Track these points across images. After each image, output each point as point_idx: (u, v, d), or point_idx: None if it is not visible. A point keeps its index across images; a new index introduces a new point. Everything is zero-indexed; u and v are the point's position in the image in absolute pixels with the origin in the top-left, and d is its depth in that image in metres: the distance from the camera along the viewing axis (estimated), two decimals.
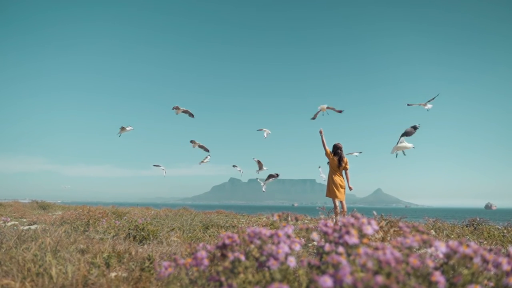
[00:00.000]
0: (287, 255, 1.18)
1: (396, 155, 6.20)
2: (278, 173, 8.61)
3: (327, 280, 0.94)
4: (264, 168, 8.64)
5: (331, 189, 6.60)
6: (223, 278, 1.17)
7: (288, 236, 1.25)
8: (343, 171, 6.71)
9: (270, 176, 8.69)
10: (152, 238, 3.98)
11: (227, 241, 1.27)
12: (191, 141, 8.74)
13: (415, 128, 5.93)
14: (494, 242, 4.54)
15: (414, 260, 1.00)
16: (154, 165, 9.53)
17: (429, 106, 6.39)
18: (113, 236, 3.73)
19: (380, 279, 0.90)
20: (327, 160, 6.80)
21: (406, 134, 5.96)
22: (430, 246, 1.09)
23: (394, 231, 3.29)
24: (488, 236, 4.99)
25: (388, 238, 3.22)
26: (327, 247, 1.16)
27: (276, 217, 1.46)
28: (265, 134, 8.90)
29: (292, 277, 1.19)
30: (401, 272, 0.95)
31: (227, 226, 6.01)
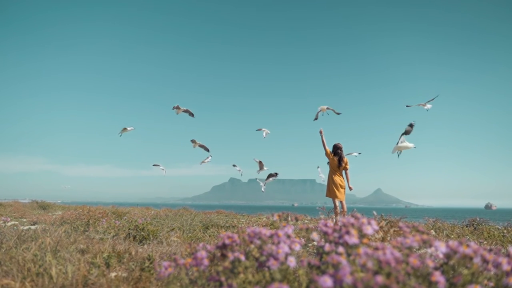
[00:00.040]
0: (287, 255, 1.18)
1: (398, 155, 6.21)
2: (277, 172, 8.61)
3: (327, 280, 0.94)
4: (265, 168, 8.65)
5: (331, 189, 6.60)
6: (223, 278, 1.17)
7: (288, 236, 1.25)
8: (343, 171, 6.72)
9: (270, 175, 8.70)
10: (152, 238, 3.98)
11: (227, 241, 1.27)
12: (192, 141, 8.73)
13: (411, 126, 5.94)
14: (494, 242, 4.54)
15: (414, 260, 1.00)
16: (153, 165, 9.53)
17: (428, 106, 6.39)
18: (113, 236, 3.73)
19: (380, 279, 0.90)
20: (327, 160, 6.80)
21: (406, 133, 5.97)
22: (430, 246, 1.09)
23: (394, 231, 3.29)
24: (488, 236, 4.99)
25: (388, 238, 3.22)
26: (327, 247, 1.16)
27: (276, 217, 1.46)
28: (264, 134, 8.91)
29: (292, 277, 1.19)
30: (401, 272, 0.95)
31: (227, 226, 6.01)
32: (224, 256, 1.25)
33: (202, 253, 1.27)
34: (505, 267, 1.07)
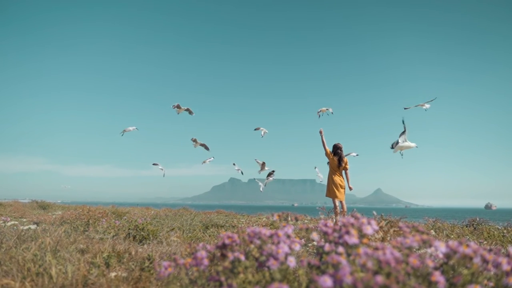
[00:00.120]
0: (287, 255, 1.18)
1: (401, 154, 6.21)
2: (273, 169, 8.66)
3: (327, 280, 0.94)
4: (266, 168, 8.67)
5: (331, 189, 6.60)
6: (223, 278, 1.17)
7: (288, 236, 1.25)
8: (343, 171, 6.72)
9: (269, 174, 8.73)
10: (152, 238, 3.98)
11: (227, 241, 1.27)
12: (193, 140, 8.73)
13: (403, 122, 5.99)
14: (494, 242, 4.54)
15: (414, 260, 1.00)
16: (153, 164, 9.54)
17: (427, 106, 6.41)
18: (113, 236, 3.73)
19: (380, 279, 0.90)
20: (327, 160, 6.80)
21: (404, 133, 5.97)
22: (430, 246, 1.09)
23: (394, 231, 3.29)
24: (488, 236, 5.00)
25: (388, 238, 3.22)
26: (327, 247, 1.16)
27: (276, 217, 1.46)
28: (262, 133, 8.95)
29: (292, 277, 1.19)
30: (401, 272, 0.95)
31: (227, 226, 6.01)
32: (224, 256, 1.25)
33: (202, 253, 1.27)
34: (505, 267, 1.07)
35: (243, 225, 6.30)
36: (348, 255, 1.10)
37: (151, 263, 2.12)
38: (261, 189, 9.07)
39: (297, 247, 1.22)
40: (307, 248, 3.18)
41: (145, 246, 3.42)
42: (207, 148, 8.90)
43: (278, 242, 1.21)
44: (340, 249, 1.10)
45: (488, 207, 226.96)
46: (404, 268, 0.99)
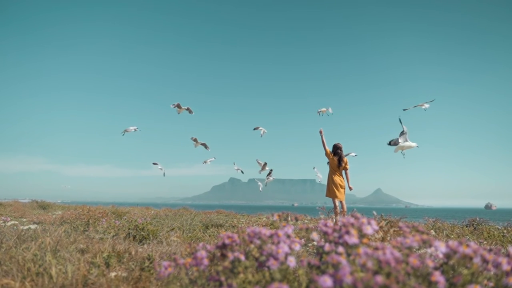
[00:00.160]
0: (287, 255, 1.18)
1: (403, 154, 6.22)
2: (271, 168, 8.71)
3: (327, 280, 0.94)
4: (267, 169, 8.70)
5: (331, 189, 6.60)
6: (223, 278, 1.17)
7: (288, 236, 1.25)
8: (343, 171, 6.72)
9: (268, 174, 8.76)
10: (152, 238, 3.98)
11: (227, 241, 1.27)
12: (193, 139, 8.74)
13: (400, 121, 6.00)
14: (494, 242, 4.54)
15: (414, 260, 1.00)
16: (153, 163, 9.56)
17: (426, 105, 6.42)
18: (113, 236, 3.73)
19: (380, 279, 0.90)
20: (327, 160, 6.80)
21: (404, 133, 5.98)
22: (430, 246, 1.09)
23: (394, 231, 3.29)
24: (488, 236, 4.99)
25: (388, 238, 3.22)
26: (327, 247, 1.16)
27: (276, 217, 1.46)
28: (261, 133, 8.98)
29: (292, 277, 1.19)
30: (401, 272, 0.95)
31: (227, 226, 6.01)
32: (224, 256, 1.25)
33: (202, 253, 1.27)
34: (505, 267, 1.07)
35: (243, 225, 6.30)
36: (348, 255, 1.10)
37: (151, 263, 2.12)
38: (260, 188, 9.09)
39: (297, 247, 1.22)
40: (307, 248, 3.18)
41: (145, 246, 3.42)
42: (207, 148, 8.92)
43: (278, 242, 1.21)
44: (340, 249, 1.10)
45: (488, 207, 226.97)
46: (404, 268, 0.99)
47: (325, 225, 1.23)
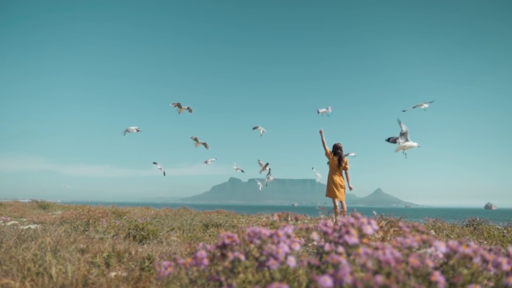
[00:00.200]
0: (287, 254, 1.18)
1: (405, 154, 6.22)
2: (270, 168, 8.74)
3: (327, 280, 0.94)
4: (267, 169, 8.72)
5: (331, 189, 6.60)
6: (223, 278, 1.17)
7: (288, 236, 1.25)
8: (343, 171, 6.73)
9: (268, 173, 8.79)
10: (152, 237, 3.98)
11: (227, 241, 1.27)
12: (193, 138, 8.76)
13: (398, 122, 6.01)
14: (494, 242, 4.54)
15: (414, 260, 1.00)
16: (153, 162, 9.59)
17: (425, 105, 6.43)
18: (113, 236, 3.73)
19: (380, 279, 0.90)
20: (327, 160, 6.81)
21: (405, 133, 5.98)
22: (430, 246, 1.09)
23: (394, 231, 3.29)
24: (488, 236, 4.99)
25: (388, 238, 3.22)
26: (327, 247, 1.16)
27: (276, 217, 1.46)
28: (261, 132, 9.01)
29: (292, 277, 1.19)
30: (401, 272, 0.95)
31: (227, 226, 6.01)
32: (224, 256, 1.25)
33: (202, 253, 1.27)
34: (505, 267, 1.07)
35: (243, 225, 6.30)
36: (348, 255, 1.10)
37: (151, 262, 2.12)
38: (260, 188, 9.11)
39: (297, 247, 1.22)
40: (307, 248, 3.18)
41: (145, 246, 3.42)
42: (207, 147, 8.94)
43: (278, 242, 1.21)
44: (340, 249, 1.10)
45: (488, 207, 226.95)
46: (404, 268, 0.99)
47: (325, 225, 1.23)
